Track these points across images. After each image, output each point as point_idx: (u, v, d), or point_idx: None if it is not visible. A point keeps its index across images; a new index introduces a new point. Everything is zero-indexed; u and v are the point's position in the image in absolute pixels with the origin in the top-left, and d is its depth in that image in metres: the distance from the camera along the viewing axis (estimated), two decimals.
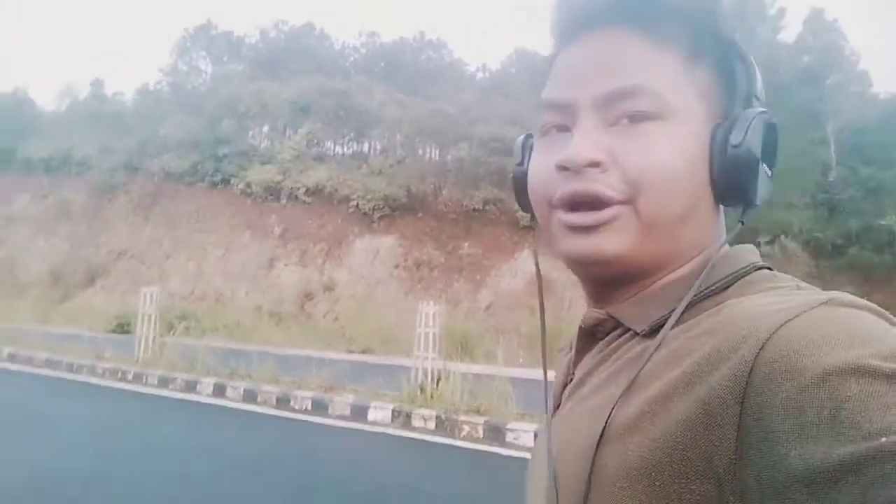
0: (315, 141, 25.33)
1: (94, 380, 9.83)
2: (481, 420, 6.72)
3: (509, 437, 6.36)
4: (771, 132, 0.55)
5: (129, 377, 9.73)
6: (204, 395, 8.71)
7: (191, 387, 9.00)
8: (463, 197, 20.76)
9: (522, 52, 32.76)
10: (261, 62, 34.82)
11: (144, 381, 9.50)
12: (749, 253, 0.57)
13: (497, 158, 19.98)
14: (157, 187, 26.24)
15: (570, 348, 0.66)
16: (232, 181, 24.54)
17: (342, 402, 7.68)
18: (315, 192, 23.07)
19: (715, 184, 0.55)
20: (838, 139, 17.18)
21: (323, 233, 22.14)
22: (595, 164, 0.53)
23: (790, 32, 21.24)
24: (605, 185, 0.53)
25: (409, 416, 7.18)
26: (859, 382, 0.38)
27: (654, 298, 0.55)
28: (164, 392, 8.96)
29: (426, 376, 8.01)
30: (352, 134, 26.33)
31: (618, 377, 0.53)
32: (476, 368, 10.51)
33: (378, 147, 25.67)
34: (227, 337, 16.02)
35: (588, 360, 0.60)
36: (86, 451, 5.73)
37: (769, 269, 0.56)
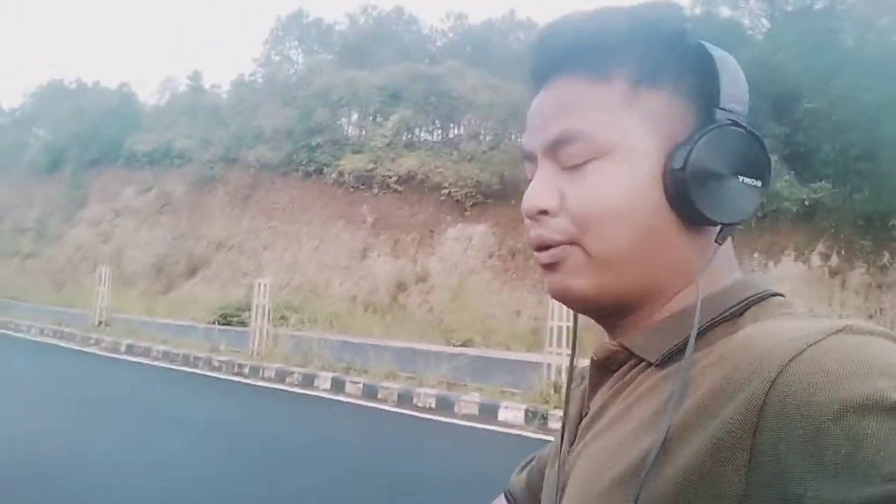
0: (406, 128, 24.99)
1: (211, 373, 9.82)
2: None
3: None
4: (738, 141, 0.53)
5: (246, 371, 9.64)
6: (322, 390, 8.48)
7: (308, 381, 8.80)
8: None
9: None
10: (350, 49, 34.91)
11: (261, 374, 9.39)
12: (762, 280, 0.56)
13: None
14: (253, 178, 26.71)
15: (582, 380, 0.66)
16: (325, 171, 24.62)
17: (469, 400, 7.26)
18: (406, 180, 22.78)
19: (674, 209, 0.53)
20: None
21: (415, 222, 21.83)
22: (544, 212, 0.55)
23: None
24: (552, 230, 0.55)
25: (545, 417, 6.69)
26: (878, 419, 0.37)
27: (666, 328, 0.54)
28: (282, 386, 8.82)
29: (560, 374, 7.44)
30: (443, 120, 25.82)
31: (632, 411, 0.52)
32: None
33: (470, 133, 25.06)
34: (326, 328, 15.94)
35: (603, 394, 0.59)
36: (217, 451, 5.54)
37: (782, 296, 0.54)
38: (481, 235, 20.29)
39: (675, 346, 0.52)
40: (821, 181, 15.95)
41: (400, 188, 22.80)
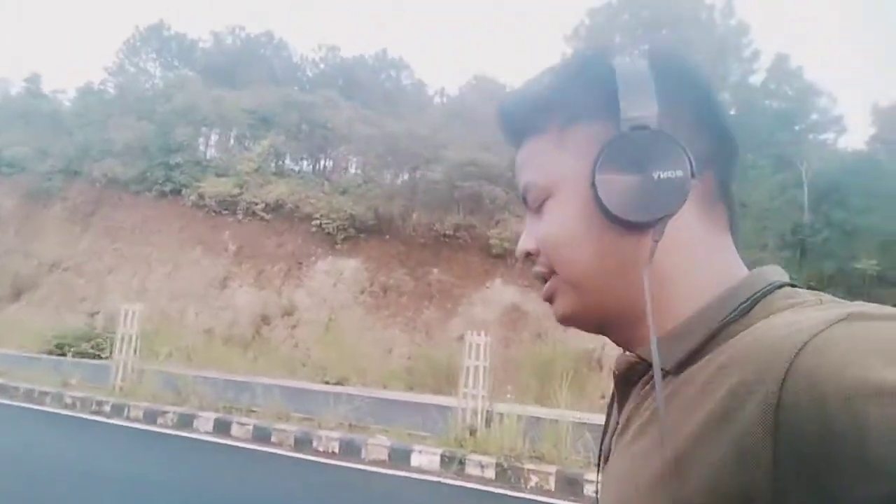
0: (276, 154, 24.11)
1: (62, 411, 8.50)
2: (552, 469, 6.03)
3: (588, 490, 5.68)
4: (642, 143, 0.55)
5: (107, 409, 8.43)
6: (203, 433, 7.58)
7: (186, 422, 7.83)
8: (433, 221, 20.03)
9: (482, 78, 32.58)
10: (214, 69, 33.31)
11: (127, 413, 8.24)
12: (771, 272, 0.56)
13: (471, 183, 19.40)
14: (98, 194, 24.40)
15: (613, 397, 0.67)
16: (183, 192, 23.05)
17: (377, 444, 6.77)
18: (274, 208, 21.89)
19: (611, 220, 0.56)
20: (812, 183, 17.39)
21: (282, 252, 20.94)
22: (529, 255, 0.64)
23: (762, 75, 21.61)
24: (540, 266, 0.63)
25: (462, 462, 6.37)
26: (881, 405, 0.37)
27: (677, 335, 0.55)
28: (153, 427, 7.79)
29: (476, 416, 7.21)
30: (314, 150, 25.23)
31: (653, 420, 0.53)
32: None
33: (342, 165, 24.71)
34: (185, 362, 14.65)
35: (628, 406, 0.61)
36: (74, 501, 4.68)
37: (792, 285, 0.54)
38: (353, 270, 19.85)
39: (689, 351, 0.53)
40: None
41: (267, 216, 21.84)
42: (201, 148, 25.61)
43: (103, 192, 24.37)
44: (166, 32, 36.81)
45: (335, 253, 20.49)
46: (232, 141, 25.76)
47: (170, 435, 7.50)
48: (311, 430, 7.27)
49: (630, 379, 0.61)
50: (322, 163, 25.56)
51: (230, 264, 20.97)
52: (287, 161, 25.17)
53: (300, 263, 20.47)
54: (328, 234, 20.79)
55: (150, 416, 8.08)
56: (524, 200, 0.64)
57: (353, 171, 23.86)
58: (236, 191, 22.37)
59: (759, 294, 0.53)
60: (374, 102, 28.38)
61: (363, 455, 6.73)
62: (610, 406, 0.69)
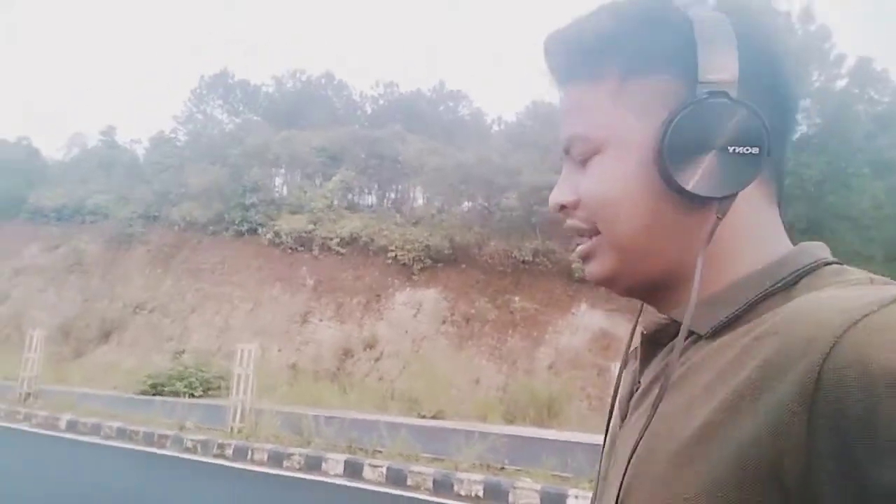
0: (347, 189, 24.33)
1: (183, 455, 8.36)
2: None
3: None
4: (718, 113, 0.52)
5: (229, 452, 8.23)
6: (333, 475, 7.29)
7: (314, 464, 7.54)
8: (511, 248, 19.72)
9: (540, 104, 32.43)
10: (278, 112, 34.24)
11: (250, 456, 8.01)
12: (818, 249, 0.55)
13: (546, 207, 19.06)
14: (177, 237, 25.03)
15: (636, 358, 0.66)
16: (259, 231, 23.41)
17: (526, 487, 6.31)
18: (349, 242, 21.97)
19: (672, 188, 0.54)
20: None
21: (359, 285, 20.93)
22: (563, 208, 0.61)
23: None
24: (578, 220, 0.60)
25: None
26: None
27: (716, 300, 0.54)
28: (279, 471, 7.53)
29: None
30: (384, 183, 25.38)
31: (685, 382, 0.52)
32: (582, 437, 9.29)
33: (413, 196, 24.75)
34: (281, 400, 14.59)
35: (654, 367, 0.60)
36: None
37: (839, 263, 0.53)
38: (432, 300, 19.65)
39: (727, 317, 0.52)
40: None
41: (342, 250, 21.93)
42: (274, 187, 26.02)
43: (182, 234, 24.98)
44: (230, 80, 38.15)
45: (413, 284, 20.35)
46: (302, 178, 26.09)
47: (298, 479, 7.23)
48: (449, 472, 6.87)
49: (658, 340, 0.60)
50: (392, 196, 25.65)
51: (309, 299, 21.06)
52: (357, 196, 25.33)
53: (378, 296, 20.39)
54: (404, 265, 20.69)
55: (276, 459, 7.84)
56: (566, 150, 0.61)
57: (422, 202, 23.81)
58: (310, 227, 22.57)
59: (804, 269, 0.52)
60: (435, 134, 28.52)
61: (511, 500, 6.27)
62: (623, 366, 0.69)
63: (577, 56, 0.59)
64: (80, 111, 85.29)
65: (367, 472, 7.19)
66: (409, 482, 6.87)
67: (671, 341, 0.58)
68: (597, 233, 0.59)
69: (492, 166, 20.87)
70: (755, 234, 0.56)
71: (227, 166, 25.51)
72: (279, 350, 19.89)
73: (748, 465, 0.42)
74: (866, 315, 0.40)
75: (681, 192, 0.52)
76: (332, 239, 22.08)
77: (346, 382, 17.58)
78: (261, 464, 7.84)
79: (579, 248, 0.61)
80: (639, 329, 0.64)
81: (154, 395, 15.16)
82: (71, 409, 10.47)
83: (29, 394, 11.56)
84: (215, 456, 8.21)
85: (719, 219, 0.52)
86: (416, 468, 6.99)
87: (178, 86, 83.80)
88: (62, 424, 9.81)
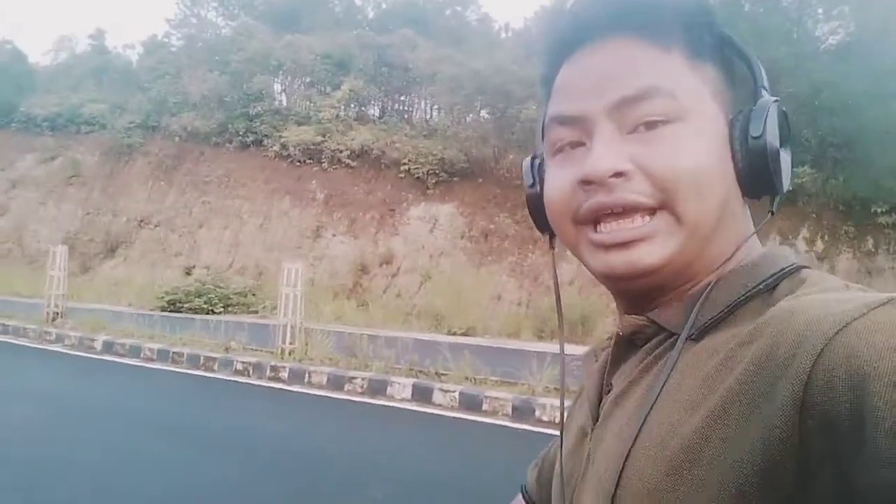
0: (356, 99, 23.30)
1: (235, 378, 8.04)
2: None
3: None
4: (785, 120, 0.56)
5: (285, 375, 7.90)
6: (399, 399, 7.02)
7: (378, 388, 7.25)
8: None
9: (549, 10, 30.84)
10: (276, 15, 32.39)
11: (307, 379, 7.70)
12: (789, 253, 0.57)
13: None
14: (178, 148, 24.14)
15: (595, 357, 0.66)
16: (265, 142, 22.55)
17: None
18: (359, 154, 21.22)
19: (741, 178, 0.55)
20: None
21: (372, 199, 20.37)
22: (619, 174, 0.53)
23: None
24: (635, 192, 0.53)
25: None
26: None
27: (697, 301, 0.53)
28: (339, 394, 7.27)
29: None
30: (395, 93, 24.32)
31: (672, 386, 0.51)
32: None
33: (426, 107, 23.77)
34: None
35: (629, 369, 0.58)
36: (287, 479, 4.18)
37: (808, 268, 0.55)
38: (448, 215, 19.17)
39: (711, 318, 0.51)
40: (803, 167, 16.07)
41: (353, 163, 21.21)
42: (278, 97, 24.93)
43: (184, 145, 24.09)
44: None
45: (427, 198, 19.80)
46: (306, 87, 24.92)
47: (362, 403, 6.95)
48: (528, 397, 6.53)
49: (634, 342, 0.58)
50: (403, 106, 24.64)
51: (321, 214, 20.53)
52: (366, 106, 24.31)
53: (392, 210, 19.88)
54: (418, 178, 20.07)
55: (336, 383, 7.55)
56: (616, 108, 0.54)
57: (437, 113, 22.86)
58: (319, 139, 21.72)
59: (784, 272, 0.52)
60: (443, 41, 27.13)
61: None
62: (561, 373, 0.68)
63: (643, 11, 0.55)
64: (65, 13, 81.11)
65: (438, 397, 6.91)
66: (485, 407, 6.59)
67: (646, 343, 0.57)
68: (654, 211, 0.53)
69: (509, 75, 19.87)
70: (738, 231, 0.56)
71: (228, 73, 24.34)
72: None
73: (743, 471, 0.41)
74: (855, 319, 0.40)
75: (757, 182, 0.54)
76: (341, 151, 21.31)
77: (365, 298, 17.36)
78: (319, 387, 7.58)
79: (638, 228, 0.53)
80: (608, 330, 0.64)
81: (172, 311, 14.90)
82: (103, 329, 10.13)
83: (57, 313, 11.20)
84: (270, 379, 7.93)
85: (772, 214, 0.55)
86: (491, 393, 6.70)
87: None
88: (98, 345, 9.48)
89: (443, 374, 7.38)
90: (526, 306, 16.16)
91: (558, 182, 0.58)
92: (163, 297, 15.37)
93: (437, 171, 19.91)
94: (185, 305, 15.02)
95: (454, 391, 6.83)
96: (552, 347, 9.54)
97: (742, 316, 0.50)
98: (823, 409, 0.38)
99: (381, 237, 19.40)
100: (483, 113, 20.58)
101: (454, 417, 6.37)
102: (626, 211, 0.54)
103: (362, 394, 7.23)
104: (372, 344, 8.18)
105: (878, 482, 0.35)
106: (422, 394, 6.99)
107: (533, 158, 0.73)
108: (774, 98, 0.56)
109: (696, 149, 0.53)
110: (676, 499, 0.46)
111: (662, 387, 0.51)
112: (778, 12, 18.95)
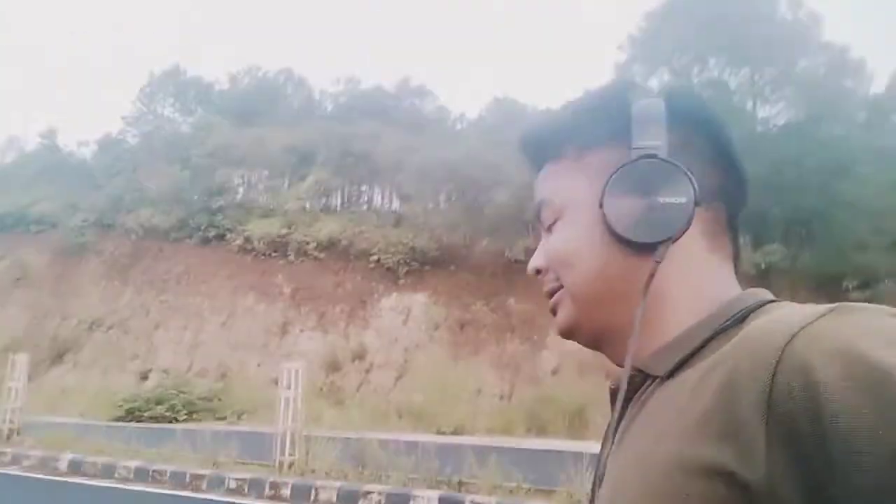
0: (322, 190, 22.96)
1: (228, 499, 6.96)
2: None
3: None
4: (650, 170, 0.58)
5: (286, 492, 6.88)
6: None
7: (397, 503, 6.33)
8: (501, 247, 18.79)
9: (503, 101, 31.66)
10: (234, 110, 32.34)
11: (314, 497, 6.69)
12: (764, 293, 0.58)
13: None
14: (135, 246, 23.20)
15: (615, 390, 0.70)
16: (228, 236, 21.86)
17: None
18: (327, 246, 20.69)
19: (620, 242, 0.59)
20: None
21: (341, 292, 19.67)
22: (538, 272, 0.67)
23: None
24: (549, 281, 0.66)
25: None
26: (878, 391, 0.38)
27: (672, 345, 0.57)
28: None
29: None
30: (361, 183, 24.10)
31: (647, 425, 0.54)
32: None
33: (392, 196, 23.56)
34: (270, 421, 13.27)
35: (626, 420, 0.61)
36: None
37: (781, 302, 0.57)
38: (421, 305, 18.56)
39: (682, 358, 0.55)
40: (772, 243, 16.13)
41: (320, 255, 20.63)
42: (241, 190, 24.44)
43: (140, 243, 23.18)
44: (182, 77, 36.03)
45: (399, 288, 19.22)
46: (270, 179, 24.54)
47: None
48: None
49: (626, 394, 0.60)
50: (370, 196, 24.39)
51: (287, 308, 19.68)
52: (333, 197, 23.97)
53: (363, 302, 19.18)
54: (388, 269, 19.55)
55: (348, 499, 6.54)
56: (538, 219, 0.68)
57: (402, 202, 22.61)
58: (284, 231, 21.20)
59: (753, 306, 0.54)
60: (402, 132, 27.32)
61: None
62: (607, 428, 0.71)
63: (545, 141, 0.68)
64: (13, 112, 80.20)
65: None
66: None
67: (637, 391, 0.60)
68: (561, 287, 0.64)
69: (475, 163, 19.88)
70: (704, 285, 0.59)
71: (188, 168, 23.84)
72: (258, 365, 18.47)
73: (718, 495, 0.43)
74: (804, 327, 0.43)
75: (622, 240, 0.58)
76: (308, 243, 20.75)
77: (340, 397, 16.35)
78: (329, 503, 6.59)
79: (550, 302, 0.66)
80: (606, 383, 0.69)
81: (133, 421, 13.66)
82: (66, 447, 8.92)
83: (12, 430, 9.94)
84: (269, 498, 6.88)
85: (657, 263, 0.56)
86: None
87: (121, 85, 79.44)
88: (62, 465, 8.27)
89: (466, 483, 6.52)
90: (508, 399, 15.41)
91: None
92: (121, 406, 14.14)
93: (408, 261, 19.44)
94: (146, 414, 13.81)
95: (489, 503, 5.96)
96: (583, 445, 8.69)
97: (713, 349, 0.52)
98: (787, 426, 0.39)
99: (353, 331, 18.59)
100: (451, 200, 20.35)
101: None
102: (548, 294, 0.66)
103: None
104: (383, 450, 7.30)
105: (841, 485, 0.37)
106: None
107: None
108: (638, 156, 0.59)
109: (565, 236, 0.63)
110: None
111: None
112: (727, 95, 19.61)
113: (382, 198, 24.20)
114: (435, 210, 20.53)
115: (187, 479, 7.45)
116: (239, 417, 14.18)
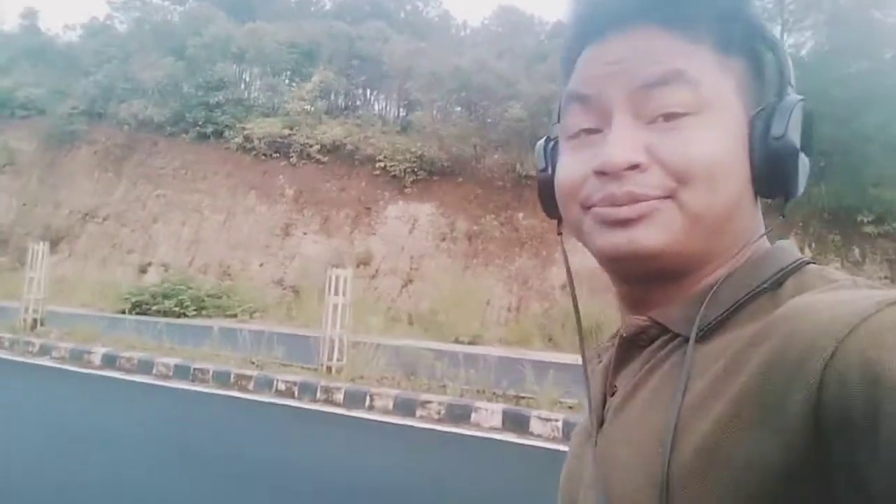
0: (327, 92, 22.16)
1: (277, 400, 6.87)
2: None
3: None
4: (808, 121, 0.55)
5: (339, 397, 6.80)
6: (487, 429, 6.05)
7: (460, 415, 6.27)
8: (512, 161, 18.49)
9: (508, 9, 30.59)
10: (226, 2, 30.78)
11: (369, 404, 6.61)
12: (792, 248, 0.55)
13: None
14: (128, 137, 22.39)
15: (599, 358, 0.65)
16: (226, 134, 21.16)
17: None
18: (331, 150, 20.15)
19: (756, 177, 0.54)
20: None
21: (345, 197, 19.35)
22: (634, 167, 0.53)
23: None
24: (645, 185, 0.52)
25: None
26: None
27: (703, 300, 0.52)
28: (410, 421, 6.27)
29: None
30: (368, 86, 23.31)
31: (676, 392, 0.50)
32: None
33: (399, 103, 22.88)
34: (290, 323, 13.24)
35: (633, 371, 0.57)
36: None
37: (814, 262, 0.54)
38: (428, 216, 18.37)
39: (716, 318, 0.51)
40: None
41: (324, 159, 20.13)
42: (241, 86, 23.49)
43: (134, 135, 22.36)
44: None
45: (405, 197, 18.94)
46: (271, 77, 23.57)
47: (442, 433, 5.98)
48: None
49: (637, 343, 0.57)
50: (378, 101, 23.67)
51: (290, 211, 19.35)
52: (338, 99, 23.20)
53: (368, 209, 18.92)
54: (394, 176, 19.19)
55: (406, 407, 6.49)
56: (638, 93, 0.53)
57: (413, 109, 21.96)
58: (286, 132, 20.53)
59: (789, 269, 0.51)
60: (405, 36, 26.29)
61: None
62: (585, 367, 0.65)
63: (674, 1, 0.54)
64: None
65: (536, 426, 6.00)
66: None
67: (650, 344, 0.55)
68: (667, 198, 0.52)
69: (489, 72, 19.27)
70: (748, 227, 0.55)
71: (183, 59, 22.77)
72: (261, 265, 18.31)
73: (758, 476, 0.41)
74: (865, 319, 0.39)
75: (772, 182, 0.53)
76: (311, 146, 20.18)
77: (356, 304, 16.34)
78: (384, 412, 6.55)
79: (634, 206, 0.52)
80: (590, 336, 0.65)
81: (139, 314, 13.54)
82: (97, 339, 8.76)
83: (36, 319, 9.73)
84: (322, 402, 6.84)
85: (783, 217, 0.54)
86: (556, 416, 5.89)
87: None
88: (96, 359, 8.11)
89: (524, 398, 6.52)
90: (517, 311, 15.55)
91: (571, 169, 0.57)
92: (127, 299, 13.95)
93: (415, 169, 19.09)
94: (153, 308, 13.67)
95: (556, 419, 5.97)
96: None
97: (748, 314, 0.49)
98: (837, 412, 0.37)
99: (358, 236, 18.42)
100: (462, 110, 19.80)
101: (555, 450, 5.53)
102: (633, 201, 0.52)
103: (438, 420, 6.31)
104: (439, 361, 7.26)
105: (894, 486, 0.35)
106: (516, 422, 6.10)
107: (547, 140, 0.68)
108: (800, 97, 0.54)
109: (713, 142, 0.52)
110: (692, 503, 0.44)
111: (683, 397, 0.49)
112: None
113: (389, 103, 23.50)
114: (445, 119, 19.96)
115: (231, 379, 7.36)
116: (251, 316, 14.12)
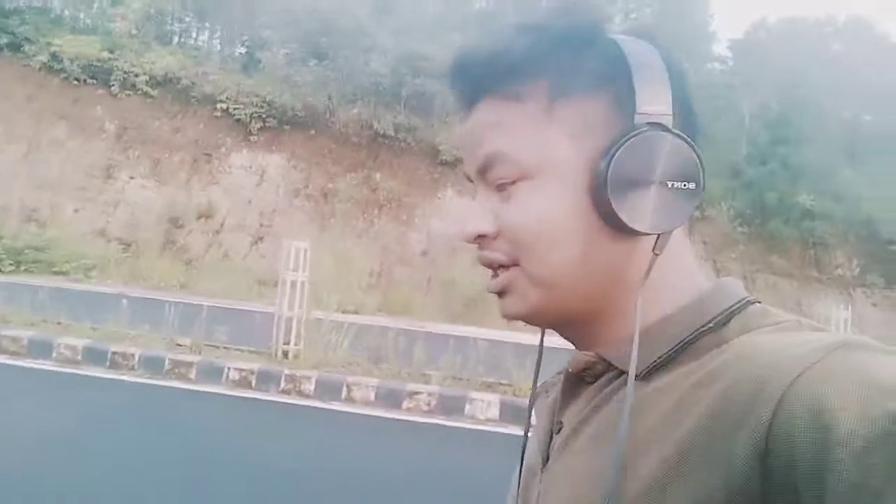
0: (158, 15, 19.32)
1: (229, 392, 5.71)
2: None
3: None
4: (660, 146, 0.50)
5: (309, 388, 5.82)
6: (483, 420, 5.44)
7: (451, 406, 5.55)
8: (369, 117, 17.64)
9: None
10: None
11: (347, 395, 5.74)
12: (737, 286, 0.54)
13: (422, 80, 17.19)
14: None
15: (546, 393, 0.64)
16: (26, 48, 17.63)
17: None
18: (162, 83, 17.71)
19: (605, 217, 0.51)
20: (757, 117, 18.20)
21: (180, 139, 17.16)
22: (482, 236, 0.54)
23: None
24: (496, 252, 0.54)
25: None
26: (887, 444, 0.35)
27: (649, 337, 0.51)
28: (396, 414, 5.52)
29: None
30: (209, 17, 20.69)
31: (620, 428, 0.48)
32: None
33: (246, 38, 20.68)
34: (142, 284, 11.38)
35: (579, 408, 0.56)
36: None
37: (759, 302, 0.53)
38: (279, 168, 16.96)
39: (659, 357, 0.50)
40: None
41: (153, 92, 17.62)
42: None
43: None
44: None
45: (251, 146, 17.29)
46: None
47: (433, 425, 5.36)
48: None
49: (583, 378, 0.57)
50: (222, 34, 21.12)
51: (111, 150, 16.72)
52: (171, 26, 20.36)
53: (208, 155, 16.99)
54: (238, 121, 17.40)
55: (391, 398, 5.70)
56: (479, 172, 0.55)
57: (260, 49, 19.95)
58: (105, 55, 17.63)
59: (734, 308, 0.51)
60: None
61: None
62: (531, 402, 0.65)
63: (499, 71, 0.53)
64: None
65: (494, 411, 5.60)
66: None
67: (597, 380, 0.55)
68: (515, 266, 0.53)
69: (353, 20, 18.10)
70: (678, 268, 0.54)
71: None
72: (76, 210, 15.67)
73: None
74: (812, 364, 0.40)
75: (621, 228, 0.50)
76: (137, 75, 17.54)
77: (185, 258, 14.58)
78: (366, 404, 5.69)
79: (494, 281, 0.55)
80: (543, 367, 0.64)
81: None
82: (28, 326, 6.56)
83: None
84: (286, 393, 5.73)
85: (657, 255, 0.51)
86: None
87: None
88: (22, 344, 6.05)
89: (508, 385, 6.05)
90: (379, 276, 15.02)
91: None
92: None
93: (263, 116, 17.49)
94: None
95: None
96: (520, 337, 8.64)
97: (693, 353, 0.48)
98: (785, 458, 0.38)
99: (196, 185, 16.49)
100: (319, 57, 18.36)
101: None
102: (490, 267, 0.55)
103: (428, 412, 5.60)
104: (408, 342, 6.47)
105: None
106: (514, 413, 5.56)
107: None
108: (645, 126, 0.49)
109: (543, 206, 0.51)
110: None
111: (625, 437, 0.48)
112: None
113: (234, 39, 21.14)
114: (301, 64, 18.37)
115: (166, 366, 6.01)
116: (86, 274, 11.95)
